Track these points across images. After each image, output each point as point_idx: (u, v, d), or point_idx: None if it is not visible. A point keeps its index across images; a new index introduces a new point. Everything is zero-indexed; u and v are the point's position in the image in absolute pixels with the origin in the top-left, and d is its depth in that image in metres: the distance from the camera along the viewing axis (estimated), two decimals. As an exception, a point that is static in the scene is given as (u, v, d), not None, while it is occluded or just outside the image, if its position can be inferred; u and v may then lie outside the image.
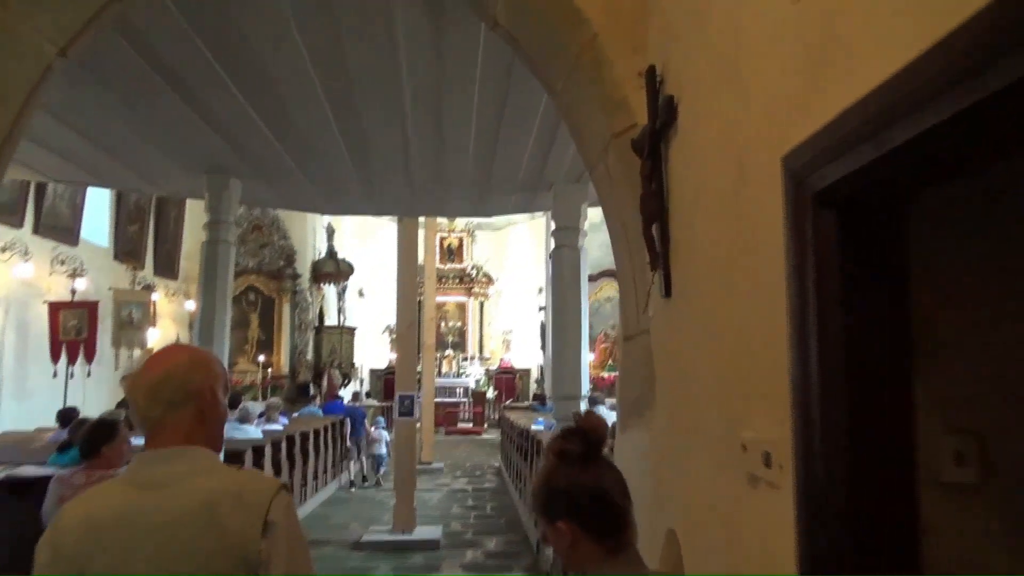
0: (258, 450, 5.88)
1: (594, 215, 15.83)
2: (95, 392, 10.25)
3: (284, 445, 6.68)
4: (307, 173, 5.05)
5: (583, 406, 4.99)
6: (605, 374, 14.77)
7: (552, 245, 4.97)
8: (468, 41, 3.27)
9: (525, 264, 26.57)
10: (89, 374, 9.56)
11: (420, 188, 5.47)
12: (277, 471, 6.41)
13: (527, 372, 24.93)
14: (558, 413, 5.02)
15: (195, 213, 14.52)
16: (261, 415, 9.02)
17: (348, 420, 10.02)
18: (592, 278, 15.01)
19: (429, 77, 3.67)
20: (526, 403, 17.15)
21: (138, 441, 1.28)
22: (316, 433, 8.21)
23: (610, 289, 15.10)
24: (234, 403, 9.57)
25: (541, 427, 6.95)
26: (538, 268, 25.95)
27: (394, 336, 25.98)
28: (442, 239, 25.56)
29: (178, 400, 1.28)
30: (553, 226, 5.35)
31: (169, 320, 13.43)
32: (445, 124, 4.31)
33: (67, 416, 5.89)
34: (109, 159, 4.75)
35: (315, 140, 4.48)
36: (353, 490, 9.61)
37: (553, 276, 5.26)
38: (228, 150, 4.54)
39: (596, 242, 15.60)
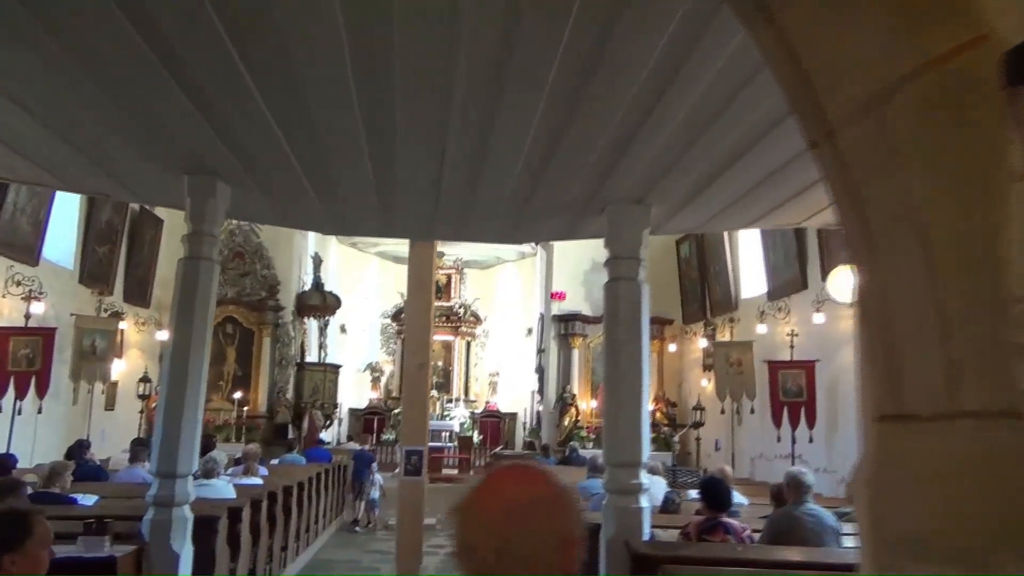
0: (234, 512, 4.85)
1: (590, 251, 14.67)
2: (47, 432, 9.10)
3: (265, 504, 5.64)
4: (315, 184, 4.15)
5: (644, 476, 4.07)
6: (607, 423, 13.80)
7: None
8: (542, 46, 2.50)
9: (514, 304, 25.75)
10: (40, 410, 8.45)
11: (447, 209, 4.59)
12: (256, 536, 5.37)
13: (514, 416, 23.91)
14: (613, 482, 4.08)
15: (173, 236, 13.51)
16: (237, 463, 7.95)
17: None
18: (593, 320, 14.18)
19: (485, 87, 2.85)
20: (518, 451, 16.10)
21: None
22: (301, 486, 7.17)
23: (614, 332, 14.21)
24: (204, 449, 8.50)
25: (594, 490, 5.87)
26: (527, 309, 25.12)
27: (376, 375, 25.11)
28: (430, 275, 24.68)
29: None
30: (607, 254, 4.48)
31: (137, 351, 12.32)
32: (494, 139, 3.46)
33: (0, 465, 4.85)
34: (71, 153, 3.83)
35: (335, 147, 3.60)
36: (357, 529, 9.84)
37: (606, 315, 4.38)
38: (219, 146, 3.63)
39: (599, 283, 14.89)
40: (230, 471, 7.45)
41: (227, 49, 2.65)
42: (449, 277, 24.07)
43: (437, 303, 23.66)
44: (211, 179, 4.08)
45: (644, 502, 4.08)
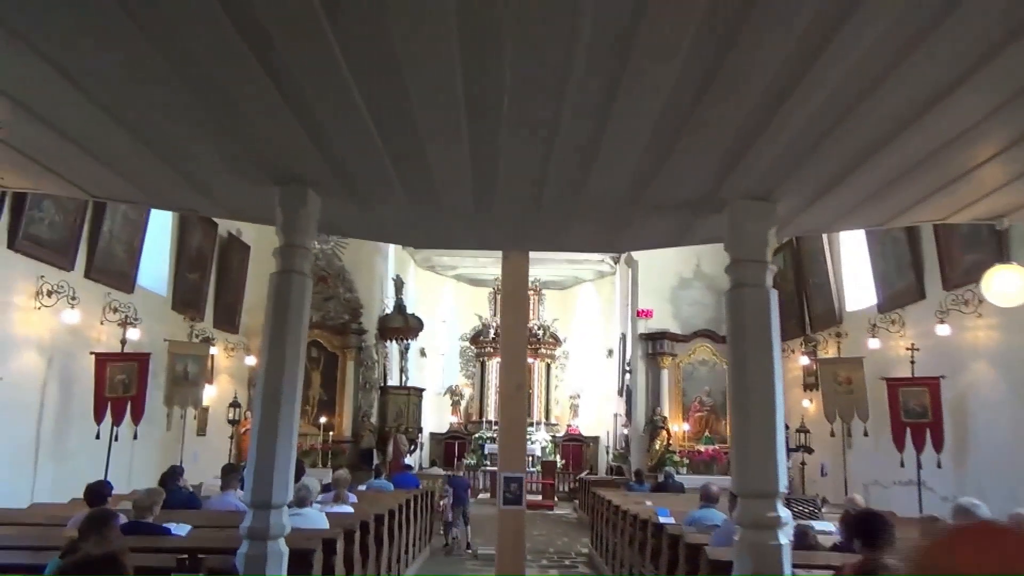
0: (328, 543, 4.59)
1: (665, 260, 14.22)
2: (142, 457, 9.18)
3: (358, 534, 5.38)
4: (409, 189, 3.89)
5: (781, 508, 3.58)
6: (701, 447, 13.13)
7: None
8: (672, 29, 2.15)
9: (593, 325, 25.27)
10: (136, 436, 8.51)
11: (547, 213, 4.26)
12: (350, 568, 5.10)
13: (596, 440, 23.39)
14: (746, 515, 3.61)
15: (259, 263, 13.70)
16: (326, 490, 7.78)
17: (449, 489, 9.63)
18: (682, 339, 13.59)
19: (607, 58, 2.50)
20: (607, 476, 15.53)
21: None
22: (392, 513, 6.90)
23: (704, 352, 13.59)
24: (296, 475, 8.37)
25: (708, 521, 5.38)
26: (607, 330, 24.58)
27: (456, 399, 24.99)
28: (508, 297, 24.47)
29: None
30: (728, 259, 4.04)
31: (226, 376, 12.46)
32: (608, 133, 3.11)
33: (96, 493, 4.74)
34: (160, 165, 3.68)
35: (432, 147, 3.32)
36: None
37: (730, 327, 3.92)
38: (312, 152, 3.41)
39: (687, 299, 14.31)
40: (320, 498, 7.26)
41: (337, 63, 2.41)
42: (528, 298, 23.79)
43: (515, 325, 23.45)
44: (302, 188, 3.87)
45: (783, 538, 3.59)
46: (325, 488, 7.90)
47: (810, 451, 9.13)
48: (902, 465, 7.92)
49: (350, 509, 6.23)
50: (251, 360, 12.97)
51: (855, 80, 2.67)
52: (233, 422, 11.45)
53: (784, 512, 3.69)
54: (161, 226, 10.30)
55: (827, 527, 5.24)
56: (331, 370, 13.70)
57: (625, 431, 17.96)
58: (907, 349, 8.16)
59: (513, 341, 5.24)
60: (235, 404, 11.45)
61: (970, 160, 3.54)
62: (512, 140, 3.26)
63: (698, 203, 4.02)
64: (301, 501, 4.93)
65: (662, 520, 5.83)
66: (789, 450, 9.30)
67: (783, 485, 3.72)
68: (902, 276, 8.99)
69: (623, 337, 21.64)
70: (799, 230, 4.60)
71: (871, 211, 4.15)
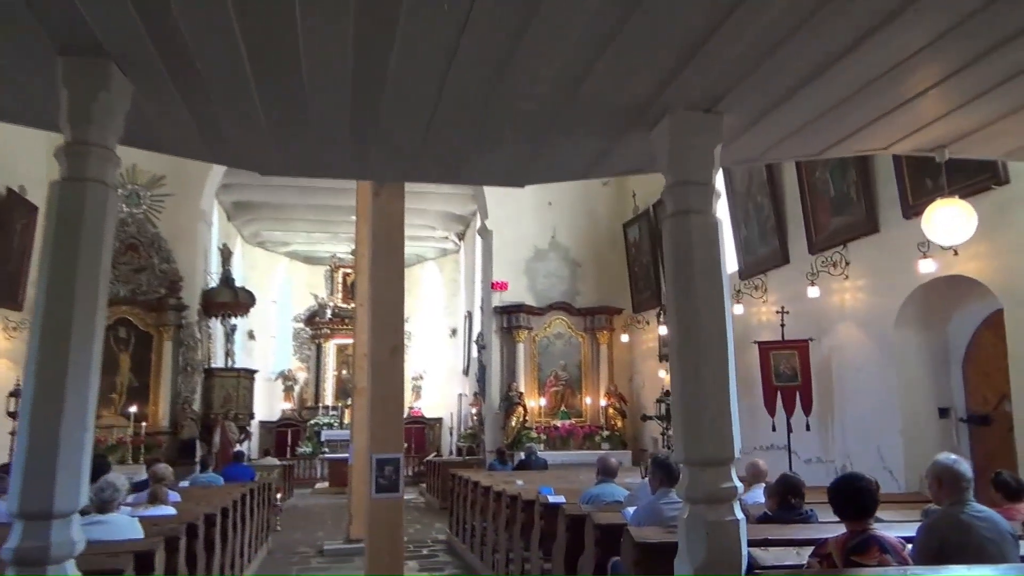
0: (144, 558, 3.43)
1: (518, 221, 13.78)
2: None
3: (184, 542, 4.20)
4: (267, 90, 2.84)
5: (735, 477, 2.97)
6: (558, 422, 12.73)
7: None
8: None
9: (436, 304, 24.49)
10: None
11: (446, 134, 3.36)
12: (173, 586, 3.94)
13: (439, 422, 22.71)
14: (697, 488, 2.96)
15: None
16: (138, 489, 6.38)
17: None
18: (537, 311, 13.12)
19: None
20: (458, 458, 14.82)
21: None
22: (225, 512, 5.71)
23: (560, 325, 13.20)
24: (96, 473, 6.82)
25: (608, 497, 4.66)
26: (450, 308, 23.89)
27: (289, 384, 23.23)
28: (345, 275, 23.19)
29: None
30: (665, 182, 3.35)
31: (6, 362, 10.32)
32: (535, 24, 2.32)
33: None
34: None
35: (308, 35, 2.34)
36: None
37: (670, 264, 3.21)
38: (121, 7, 2.28)
39: (543, 271, 13.85)
40: (131, 499, 5.88)
41: None
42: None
43: (352, 304, 22.21)
44: (103, 63, 2.67)
45: (739, 512, 2.98)
46: (137, 487, 6.50)
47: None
48: (773, 429, 7.82)
49: (171, 510, 4.99)
50: (40, 340, 10.87)
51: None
52: (15, 415, 9.45)
53: (738, 482, 3.08)
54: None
55: (752, 496, 4.78)
56: (144, 352, 11.84)
57: (474, 411, 17.34)
58: (777, 312, 8.08)
59: (386, 296, 4.29)
60: (18, 393, 9.45)
61: (912, 88, 3.21)
62: (411, 24, 2.35)
63: (630, 116, 3.28)
64: (104, 505, 3.71)
65: (551, 500, 5.14)
66: (651, 418, 9.04)
67: (738, 448, 3.11)
68: (765, 242, 8.95)
69: (468, 315, 21.01)
70: (733, 158, 4.01)
71: (813, 136, 3.64)
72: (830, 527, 3.67)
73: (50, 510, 2.40)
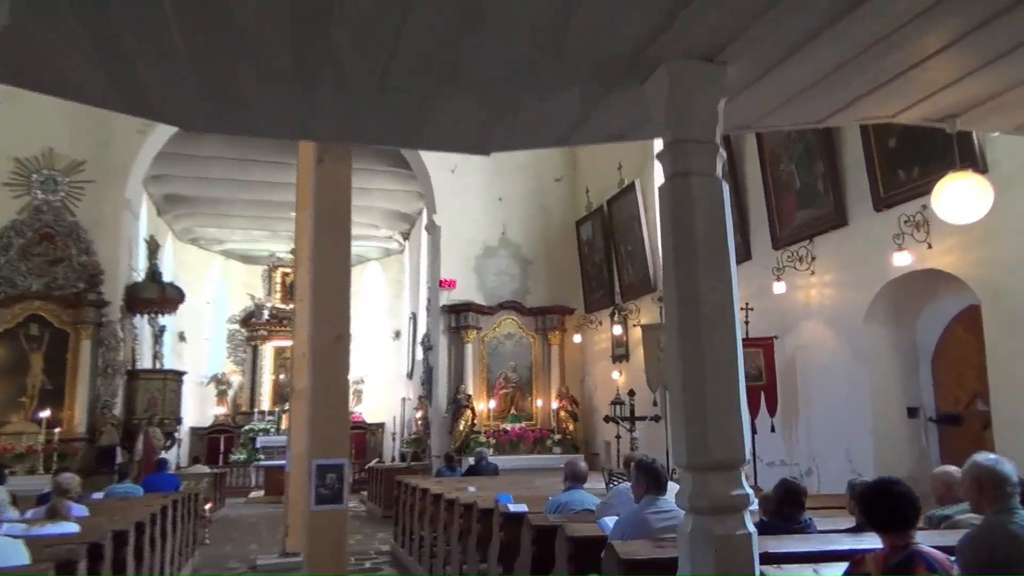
0: (26, 589, 2.79)
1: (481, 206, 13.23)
2: None
3: (84, 564, 3.55)
4: (187, 9, 2.29)
5: (745, 483, 2.54)
6: (507, 426, 12.23)
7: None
8: None
9: (378, 306, 23.76)
10: None
11: (404, 84, 2.84)
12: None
13: (381, 427, 21.98)
14: (701, 496, 2.52)
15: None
16: (42, 501, 5.63)
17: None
18: (487, 311, 12.61)
19: None
20: (402, 464, 14.17)
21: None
22: (141, 527, 5.02)
23: (510, 324, 12.73)
24: (-8, 483, 6.00)
25: (577, 505, 4.17)
26: (393, 310, 23.17)
27: (222, 388, 22.14)
28: (284, 275, 22.29)
29: None
30: (658, 145, 2.91)
31: None
32: None
33: None
34: None
35: None
36: None
37: (669, 232, 2.77)
38: None
39: (492, 269, 13.35)
40: (29, 514, 5.14)
41: None
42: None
43: (291, 305, 21.32)
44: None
45: (750, 524, 2.54)
46: (43, 501, 5.74)
47: (657, 419, 8.37)
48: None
49: (74, 527, 4.29)
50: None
51: None
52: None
53: (749, 489, 2.64)
54: None
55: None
56: (59, 352, 10.83)
57: (418, 415, 16.70)
58: (741, 309, 7.76)
59: (331, 276, 3.72)
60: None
61: (924, 49, 2.92)
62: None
63: (618, 67, 2.81)
64: (-18, 523, 3.04)
65: (512, 508, 4.64)
66: (614, 419, 8.63)
67: (747, 451, 2.67)
68: (725, 237, 8.64)
69: (413, 317, 20.34)
70: (728, 124, 3.60)
71: (817, 100, 3.24)
72: (833, 537, 3.28)
73: None
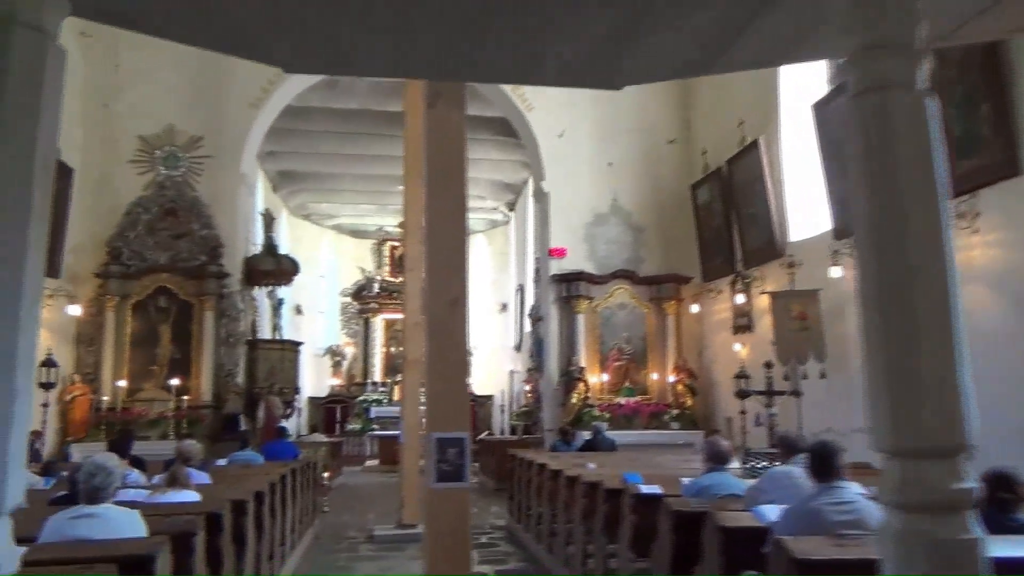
0: (138, 564, 2.64)
1: (574, 189, 12.76)
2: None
3: (201, 537, 3.42)
4: None
5: (970, 474, 2.00)
6: (621, 399, 11.79)
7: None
8: None
9: (484, 279, 23.68)
10: None
11: (508, 17, 2.42)
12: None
13: (489, 399, 21.97)
14: (912, 490, 1.99)
15: (87, 191, 10.99)
16: (169, 467, 5.69)
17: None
18: (599, 280, 12.13)
19: None
20: (512, 437, 14.02)
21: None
22: (260, 497, 4.95)
23: (622, 294, 12.21)
24: (120, 444, 6.14)
25: (720, 490, 3.74)
26: (499, 283, 23.03)
27: (337, 360, 22.76)
28: (392, 248, 22.52)
29: None
30: (850, 49, 2.37)
31: (43, 332, 9.81)
32: None
33: None
34: None
35: None
36: None
37: (861, 159, 2.24)
38: None
39: (603, 237, 12.85)
40: (155, 480, 5.19)
41: None
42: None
43: (400, 278, 21.53)
44: None
45: (976, 528, 2.02)
46: (169, 466, 5.81)
47: (797, 393, 7.67)
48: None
49: (194, 496, 4.23)
50: (75, 310, 10.37)
51: None
52: (47, 385, 8.95)
53: (974, 483, 2.13)
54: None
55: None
56: (184, 323, 11.25)
57: (527, 387, 16.51)
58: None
59: (445, 231, 3.39)
60: (50, 363, 8.94)
61: None
62: None
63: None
64: (94, 493, 2.92)
65: (644, 490, 4.23)
66: (754, 392, 8.00)
67: (970, 434, 2.15)
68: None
69: (520, 289, 20.12)
70: (944, 29, 2.96)
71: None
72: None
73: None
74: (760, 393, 7.69)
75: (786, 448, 3.56)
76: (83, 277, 10.85)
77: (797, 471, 3.44)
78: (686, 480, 4.26)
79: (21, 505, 1.75)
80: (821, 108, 8.42)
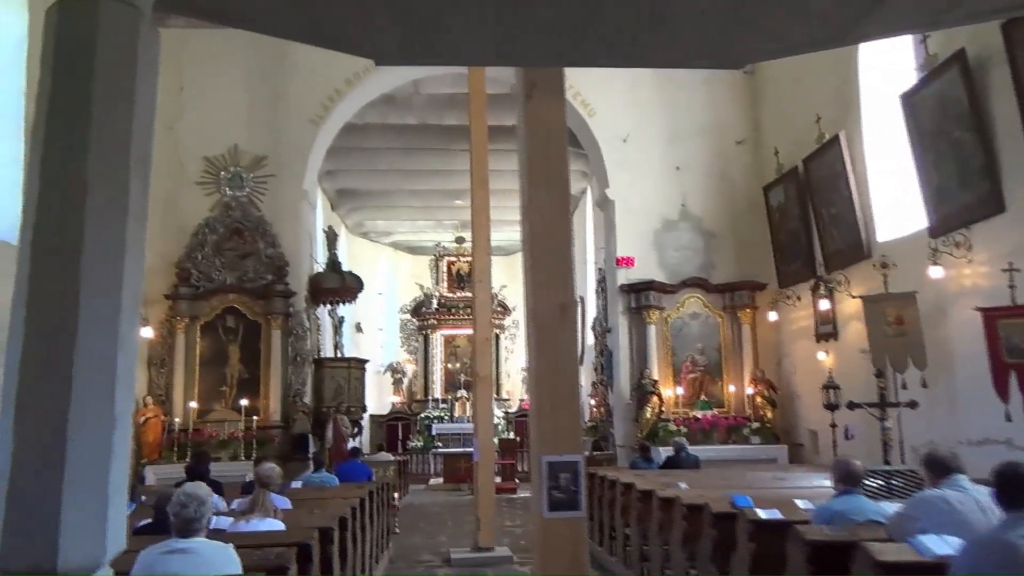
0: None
1: (646, 197, 12.30)
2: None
3: (293, 570, 3.18)
4: None
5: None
6: (698, 413, 11.31)
7: None
8: None
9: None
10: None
11: None
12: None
13: (551, 414, 21.38)
14: None
15: (155, 208, 11.09)
16: (246, 490, 5.53)
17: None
18: (669, 289, 11.70)
19: None
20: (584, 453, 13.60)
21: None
22: (343, 523, 4.71)
23: (695, 304, 11.75)
24: (196, 469, 6.01)
25: (855, 515, 3.37)
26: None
27: (397, 377, 22.70)
28: (450, 263, 22.41)
29: None
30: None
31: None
32: None
33: None
34: None
35: None
36: None
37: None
38: None
39: (672, 244, 12.43)
40: (235, 504, 5.01)
41: None
42: (471, 265, 21.74)
43: (458, 294, 21.40)
44: None
45: None
46: (247, 490, 5.65)
47: (914, 404, 7.08)
48: (1008, 419, 6.15)
49: (279, 524, 4.01)
50: (147, 332, 10.43)
51: None
52: (123, 408, 8.95)
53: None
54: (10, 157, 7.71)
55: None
56: (252, 342, 11.24)
57: (592, 402, 16.09)
58: (1004, 270, 6.38)
59: (549, 232, 3.10)
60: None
61: None
62: None
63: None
64: (186, 525, 2.71)
65: (764, 515, 3.83)
66: (861, 406, 7.45)
67: None
68: (968, 186, 7.24)
69: (581, 300, 19.75)
70: None
71: None
72: None
73: (51, 566, 1.35)
74: (873, 405, 7.14)
75: (937, 468, 3.14)
76: (153, 299, 10.93)
77: (953, 495, 3.02)
78: (806, 504, 3.85)
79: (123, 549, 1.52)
80: (911, 97, 7.89)
